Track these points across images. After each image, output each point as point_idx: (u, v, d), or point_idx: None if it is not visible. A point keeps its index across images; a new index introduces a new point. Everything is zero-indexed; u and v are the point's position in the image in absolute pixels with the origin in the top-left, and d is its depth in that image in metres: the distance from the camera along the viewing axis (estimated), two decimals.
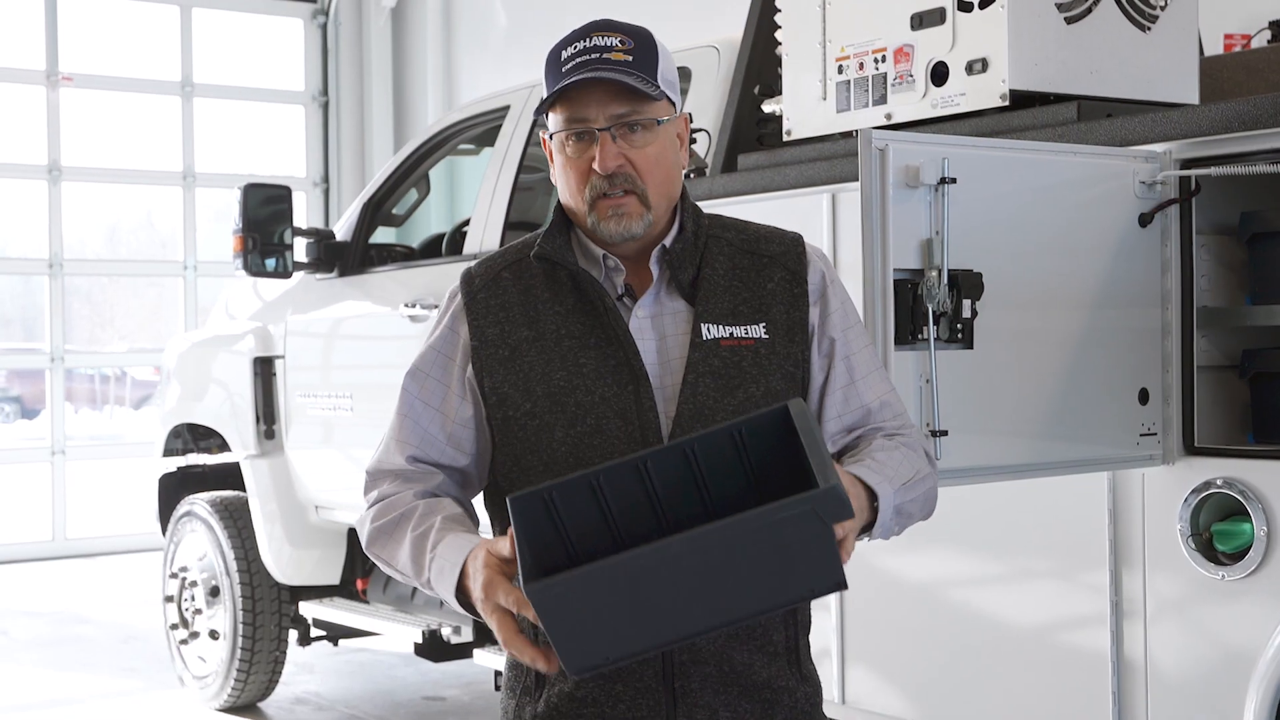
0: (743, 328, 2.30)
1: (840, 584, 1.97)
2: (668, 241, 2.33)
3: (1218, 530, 3.22)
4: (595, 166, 2.26)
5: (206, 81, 12.41)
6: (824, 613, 3.86)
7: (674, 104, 2.34)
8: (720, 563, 1.93)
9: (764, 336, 2.30)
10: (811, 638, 2.39)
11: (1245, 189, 3.34)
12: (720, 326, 2.29)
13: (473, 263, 2.43)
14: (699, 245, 2.34)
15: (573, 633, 1.95)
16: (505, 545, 2.09)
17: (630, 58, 2.27)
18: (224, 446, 6.83)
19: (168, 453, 7.12)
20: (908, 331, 2.88)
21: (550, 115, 2.31)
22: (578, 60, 2.27)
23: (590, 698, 2.25)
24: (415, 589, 5.93)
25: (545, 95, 2.31)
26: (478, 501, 2.44)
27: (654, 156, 2.29)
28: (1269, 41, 5.14)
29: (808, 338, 2.33)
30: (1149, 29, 3.70)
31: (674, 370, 2.28)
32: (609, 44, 2.28)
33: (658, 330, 2.31)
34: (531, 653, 2.07)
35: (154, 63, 12.30)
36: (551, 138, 2.32)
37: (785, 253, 2.36)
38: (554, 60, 2.31)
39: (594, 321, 2.30)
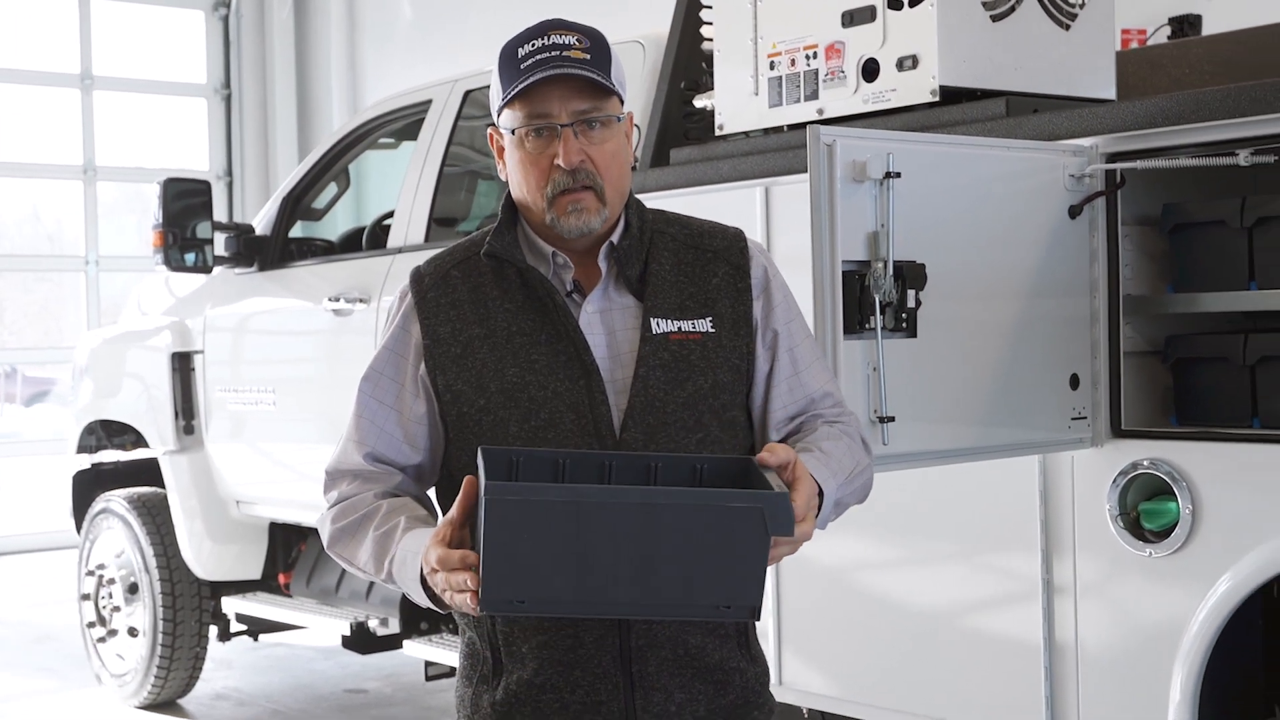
0: (690, 322, 2.36)
1: (755, 610, 2.07)
2: (615, 238, 2.39)
3: (1145, 509, 3.35)
4: (559, 162, 2.30)
5: (106, 74, 12.25)
6: None
7: (623, 102, 2.40)
8: (660, 536, 2.01)
9: (711, 330, 2.36)
10: None
11: (1167, 182, 3.46)
12: (669, 321, 2.36)
13: (421, 262, 2.47)
14: (645, 241, 2.40)
15: (506, 554, 2.00)
16: (455, 511, 2.13)
17: (588, 56, 2.32)
18: (138, 443, 6.78)
19: (81, 450, 7.06)
20: (855, 321, 2.98)
21: (507, 111, 2.35)
22: (538, 57, 2.31)
23: (549, 684, 2.30)
24: (340, 582, 5.98)
25: (504, 92, 2.34)
26: (431, 494, 2.49)
27: (611, 153, 2.35)
28: (1169, 37, 5.30)
29: (752, 331, 2.40)
30: (1069, 26, 3.82)
31: (624, 364, 2.34)
32: (567, 42, 2.32)
33: (607, 325, 2.37)
34: (465, 576, 2.06)
35: (52, 55, 12.13)
36: (512, 133, 2.35)
37: (728, 248, 2.44)
38: (509, 57, 2.34)
39: (544, 318, 2.35)
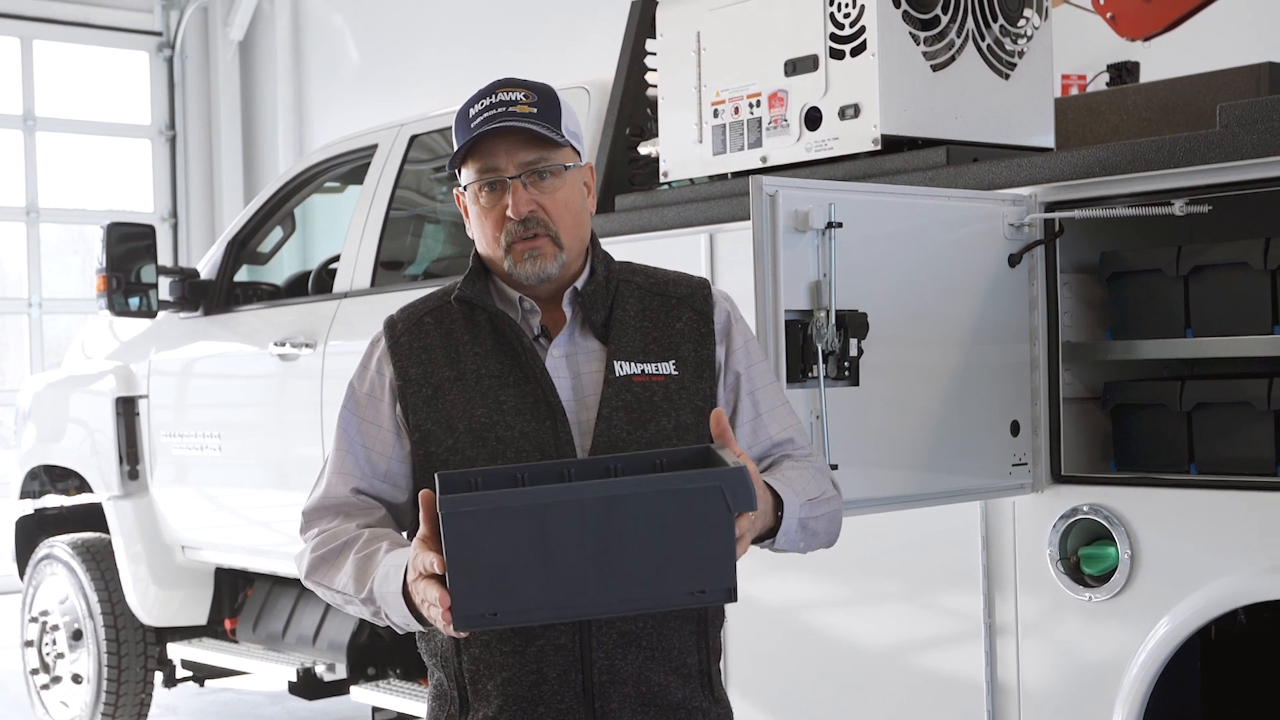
0: (653, 365, 2.43)
1: (730, 591, 2.05)
2: (580, 284, 2.46)
3: (1084, 554, 3.39)
4: (509, 213, 2.39)
5: (49, 115, 12.20)
6: None
7: (578, 153, 2.46)
8: (623, 528, 2.00)
9: (674, 373, 2.43)
10: None
11: (1104, 230, 3.52)
12: (632, 364, 2.42)
13: (394, 310, 2.53)
14: (610, 288, 2.48)
15: (471, 569, 1.99)
16: (424, 528, 2.11)
17: (535, 109, 2.40)
18: (82, 488, 6.74)
19: (24, 495, 7.00)
20: (798, 370, 3.01)
21: (462, 169, 2.44)
22: (486, 115, 2.40)
23: None
24: (286, 627, 5.94)
25: (457, 149, 2.42)
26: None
27: (563, 201, 2.42)
28: (1108, 84, 5.39)
29: (715, 374, 2.47)
30: (1008, 76, 3.89)
31: (589, 406, 2.40)
32: (514, 98, 2.41)
33: (572, 368, 2.43)
34: (438, 592, 2.06)
35: None
36: (465, 190, 2.44)
37: (692, 294, 2.51)
38: (463, 118, 2.43)
39: (512, 361, 2.41)
